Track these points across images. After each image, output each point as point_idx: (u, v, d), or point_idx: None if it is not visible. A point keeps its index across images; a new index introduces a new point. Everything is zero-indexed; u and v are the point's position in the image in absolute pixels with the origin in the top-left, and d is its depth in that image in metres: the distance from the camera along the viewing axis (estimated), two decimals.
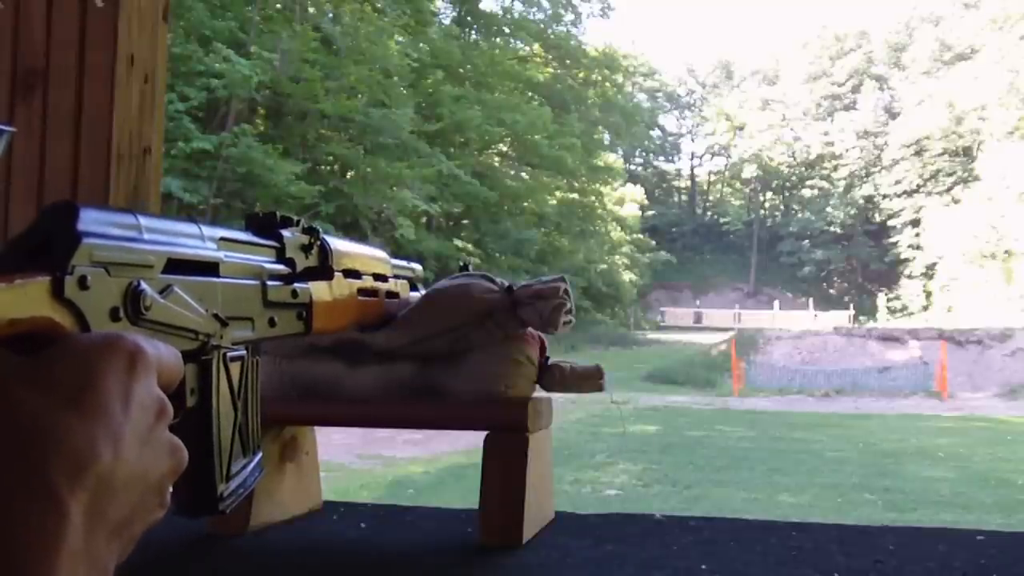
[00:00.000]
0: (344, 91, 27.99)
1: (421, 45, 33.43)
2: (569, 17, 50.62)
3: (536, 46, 48.62)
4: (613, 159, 59.29)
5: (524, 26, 46.93)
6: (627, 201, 60.67)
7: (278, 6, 29.17)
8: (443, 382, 1.67)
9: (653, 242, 62.65)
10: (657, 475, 12.22)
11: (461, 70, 38.30)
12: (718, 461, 13.48)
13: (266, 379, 1.71)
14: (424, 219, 33.45)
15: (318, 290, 1.09)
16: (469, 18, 44.96)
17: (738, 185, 78.78)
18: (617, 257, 54.48)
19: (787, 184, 74.85)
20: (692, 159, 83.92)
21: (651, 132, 77.86)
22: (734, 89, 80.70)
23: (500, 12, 47.63)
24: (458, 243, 36.19)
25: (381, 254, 1.41)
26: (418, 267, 1.64)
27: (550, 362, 1.76)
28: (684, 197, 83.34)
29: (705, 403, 21.77)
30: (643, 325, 59.62)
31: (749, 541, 1.94)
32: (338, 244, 1.16)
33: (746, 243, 72.43)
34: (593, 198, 49.82)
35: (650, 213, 70.09)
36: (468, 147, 38.67)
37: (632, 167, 76.42)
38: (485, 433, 1.70)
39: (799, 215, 70.82)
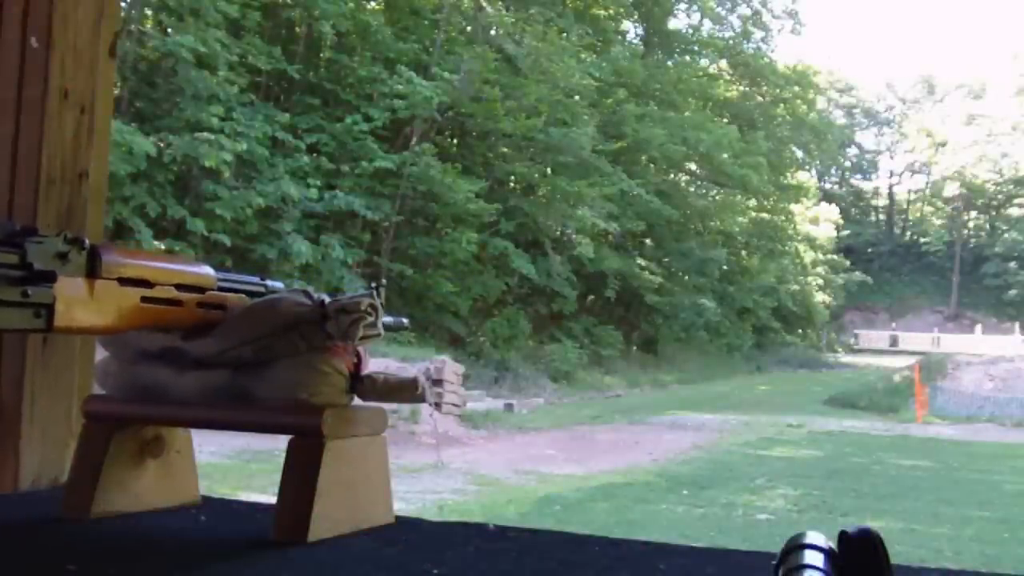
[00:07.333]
0: (524, 111, 28.33)
1: (603, 64, 33.45)
2: (759, 35, 49.87)
3: (723, 63, 47.99)
4: (805, 178, 57.94)
5: (712, 44, 46.43)
6: (821, 220, 59.14)
7: (466, 28, 29.84)
8: (252, 389, 1.80)
9: (848, 262, 60.81)
10: (815, 501, 11.86)
11: (645, 89, 38.12)
12: (883, 489, 12.97)
13: (115, 380, 1.91)
14: (609, 236, 33.36)
15: (67, 292, 1.18)
16: (656, 38, 44.79)
17: (939, 204, 75.62)
18: (810, 278, 53.18)
19: (993, 203, 71.45)
20: (891, 177, 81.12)
21: (847, 150, 75.69)
22: (936, 104, 77.61)
23: (688, 31, 47.33)
24: (640, 262, 36.05)
25: (195, 269, 1.58)
26: (277, 284, 1.84)
27: (364, 372, 1.85)
28: (882, 216, 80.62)
29: (884, 429, 20.98)
30: (836, 348, 58.03)
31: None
32: (117, 256, 1.26)
33: (947, 264, 69.50)
34: (783, 217, 48.76)
35: (845, 233, 68.04)
36: (651, 165, 38.49)
37: (828, 186, 74.51)
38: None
39: (1005, 235, 67.52)
